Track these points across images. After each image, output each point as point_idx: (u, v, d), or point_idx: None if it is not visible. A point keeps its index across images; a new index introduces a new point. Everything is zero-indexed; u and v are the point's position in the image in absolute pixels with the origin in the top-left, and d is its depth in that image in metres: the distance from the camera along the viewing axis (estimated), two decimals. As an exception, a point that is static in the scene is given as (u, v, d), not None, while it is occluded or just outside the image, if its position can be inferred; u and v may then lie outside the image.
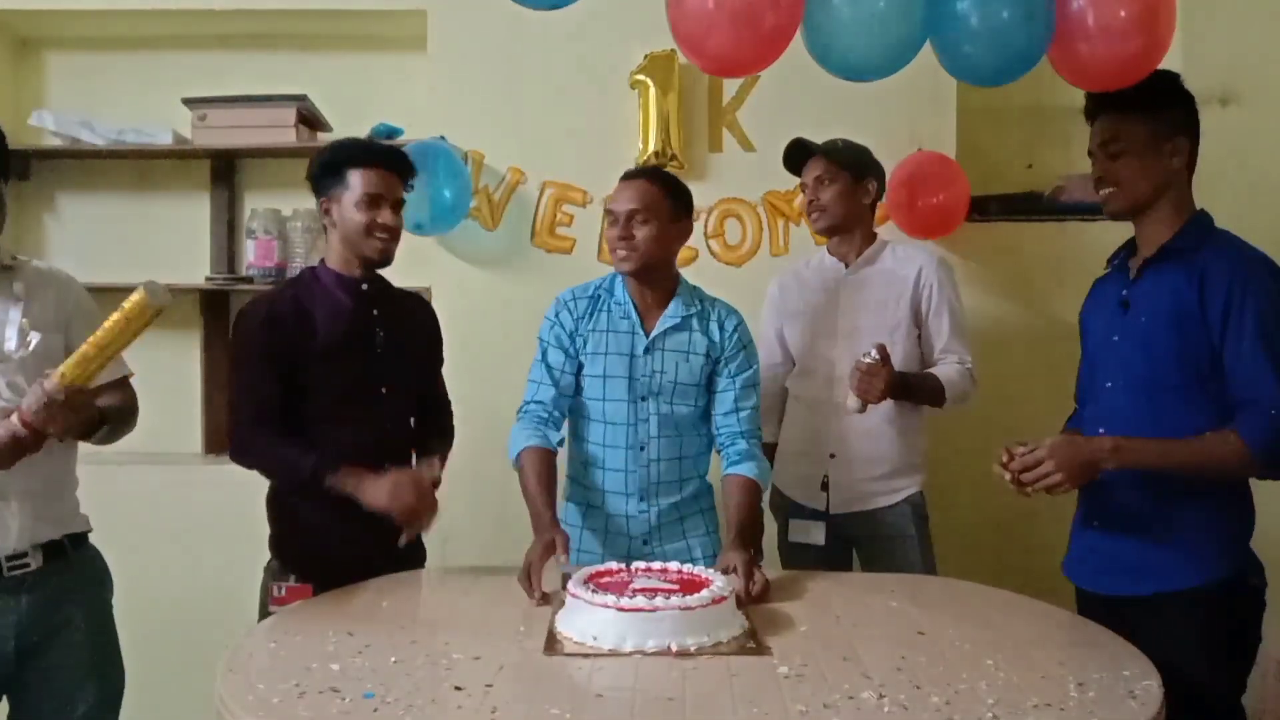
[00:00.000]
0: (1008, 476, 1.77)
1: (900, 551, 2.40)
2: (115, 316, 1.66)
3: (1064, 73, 1.90)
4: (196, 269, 3.16)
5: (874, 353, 2.21)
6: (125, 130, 3.04)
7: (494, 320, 2.91)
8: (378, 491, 1.94)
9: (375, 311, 2.12)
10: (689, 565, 1.88)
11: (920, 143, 2.94)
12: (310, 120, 3.09)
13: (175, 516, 2.95)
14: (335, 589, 1.93)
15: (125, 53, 3.25)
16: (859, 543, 2.50)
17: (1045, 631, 1.74)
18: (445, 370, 2.35)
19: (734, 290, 2.41)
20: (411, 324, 2.21)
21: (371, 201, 2.03)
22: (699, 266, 2.93)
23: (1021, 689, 1.43)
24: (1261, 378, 1.69)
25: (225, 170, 3.20)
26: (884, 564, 2.39)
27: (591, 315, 2.18)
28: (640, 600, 1.62)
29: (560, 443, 2.15)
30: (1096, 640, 1.68)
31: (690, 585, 1.74)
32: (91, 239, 3.21)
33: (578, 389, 2.18)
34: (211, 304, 3.18)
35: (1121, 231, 1.95)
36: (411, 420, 2.23)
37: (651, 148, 2.91)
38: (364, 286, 2.12)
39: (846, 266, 2.50)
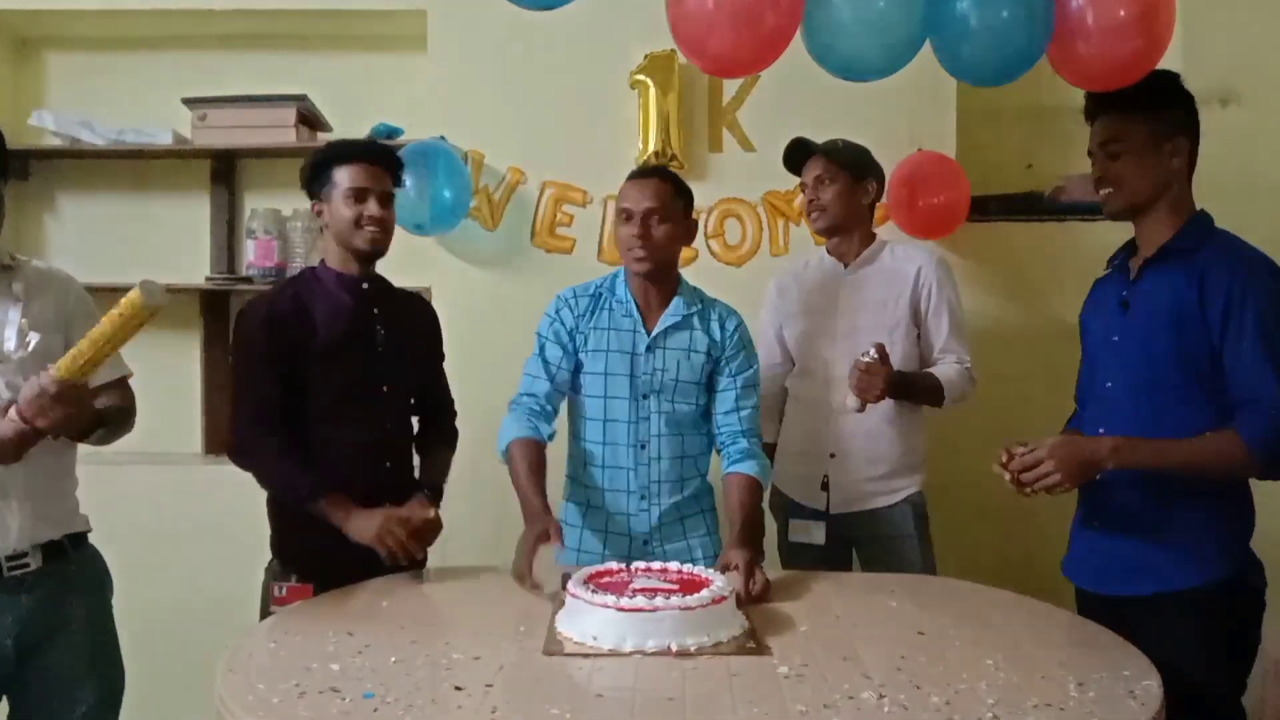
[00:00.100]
0: (1007, 476, 1.77)
1: (900, 551, 2.41)
2: (111, 315, 1.66)
3: (1063, 73, 1.90)
4: (196, 269, 3.16)
5: (873, 352, 2.21)
6: (125, 130, 3.05)
7: (494, 320, 2.91)
8: (364, 528, 1.94)
9: (376, 310, 2.12)
10: (689, 565, 1.87)
11: (920, 143, 2.93)
12: (310, 120, 3.09)
13: (175, 517, 2.95)
14: (335, 589, 1.93)
15: (125, 53, 3.25)
16: (859, 542, 2.50)
17: (1045, 631, 1.74)
18: (445, 370, 2.34)
19: (734, 290, 2.41)
20: (412, 323, 2.21)
21: (357, 195, 2.04)
22: (699, 266, 2.93)
23: (1021, 689, 1.43)
24: (1261, 378, 1.69)
25: (225, 170, 3.20)
26: (884, 564, 2.39)
27: (593, 313, 2.18)
28: (640, 600, 1.61)
29: (551, 436, 2.15)
30: (1096, 640, 1.68)
31: (690, 585, 1.74)
32: (91, 239, 3.21)
33: (577, 387, 2.18)
34: (211, 304, 3.18)
35: (1121, 231, 1.95)
36: (413, 419, 2.23)
37: (651, 148, 2.91)
38: (364, 286, 2.12)
39: (846, 266, 2.50)
